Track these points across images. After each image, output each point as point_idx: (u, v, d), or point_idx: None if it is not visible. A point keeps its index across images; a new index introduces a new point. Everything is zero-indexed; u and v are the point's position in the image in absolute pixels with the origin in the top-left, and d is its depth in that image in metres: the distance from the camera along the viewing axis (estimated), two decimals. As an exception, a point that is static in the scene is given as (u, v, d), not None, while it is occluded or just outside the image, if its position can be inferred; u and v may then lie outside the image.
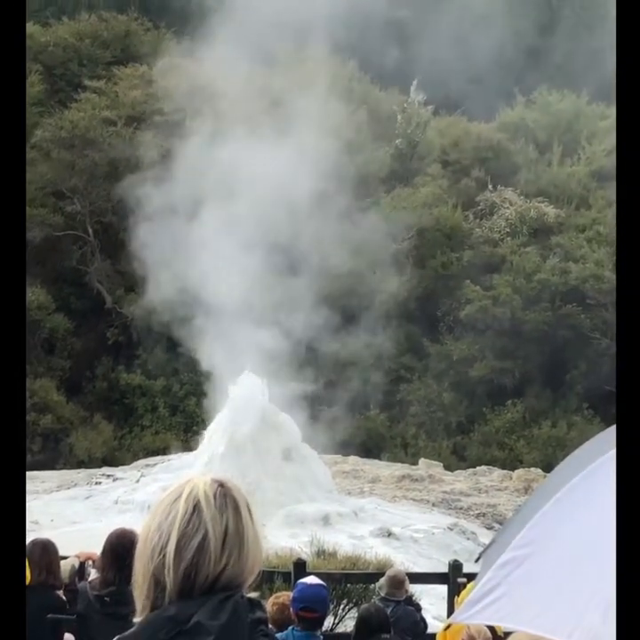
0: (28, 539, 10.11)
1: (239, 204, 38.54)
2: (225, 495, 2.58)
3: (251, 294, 36.05)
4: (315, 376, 36.58)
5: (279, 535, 23.63)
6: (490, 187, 54.04)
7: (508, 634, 6.21)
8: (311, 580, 9.37)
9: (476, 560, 2.34)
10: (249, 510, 2.61)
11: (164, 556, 2.49)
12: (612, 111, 63.34)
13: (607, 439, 2.19)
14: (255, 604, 2.56)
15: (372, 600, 12.87)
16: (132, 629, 2.52)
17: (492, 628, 8.72)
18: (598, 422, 40.73)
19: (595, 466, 2.08)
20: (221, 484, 2.60)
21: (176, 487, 2.62)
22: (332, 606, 14.97)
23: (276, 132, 41.40)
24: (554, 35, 71.11)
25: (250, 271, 36.52)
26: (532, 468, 36.91)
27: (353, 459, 38.62)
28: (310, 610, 8.59)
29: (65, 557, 12.17)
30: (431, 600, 15.85)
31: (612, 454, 2.10)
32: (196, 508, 2.53)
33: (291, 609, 8.83)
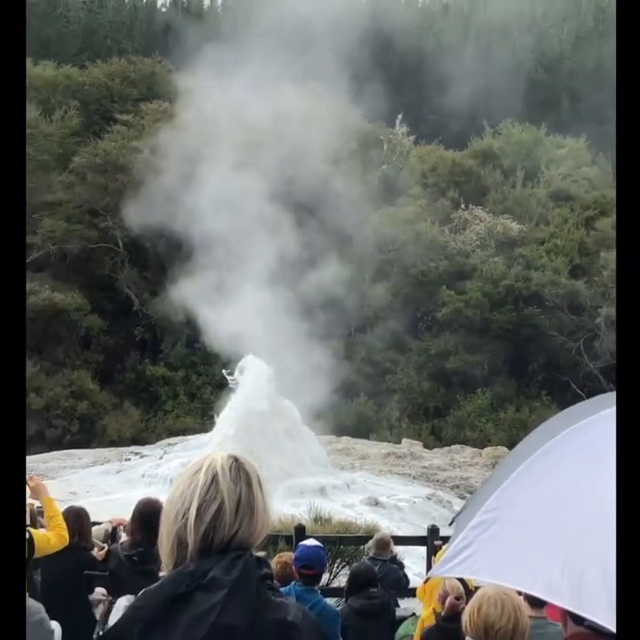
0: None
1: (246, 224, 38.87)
2: (239, 469, 2.59)
3: (263, 302, 36.35)
4: (313, 367, 36.59)
5: (282, 504, 23.58)
6: (462, 206, 54.11)
7: (477, 588, 6.21)
8: (310, 542, 9.37)
9: (450, 524, 2.35)
10: (259, 483, 2.62)
11: (187, 519, 2.50)
12: (567, 141, 63.68)
13: (560, 421, 2.20)
14: (262, 562, 2.58)
15: (362, 559, 12.87)
16: (158, 583, 2.53)
17: (463, 582, 8.73)
18: (555, 407, 40.69)
19: (551, 443, 2.10)
20: (236, 459, 2.62)
21: (197, 461, 2.63)
22: (327, 565, 14.97)
23: (279, 159, 41.60)
24: (517, 75, 71.14)
25: (264, 280, 36.89)
26: (499, 447, 36.92)
27: (345, 439, 38.63)
28: (309, 568, 8.60)
29: (99, 523, 12.21)
30: (412, 559, 15.82)
31: (566, 433, 2.11)
32: (214, 479, 2.54)
33: (292, 567, 8.83)
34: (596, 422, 2.13)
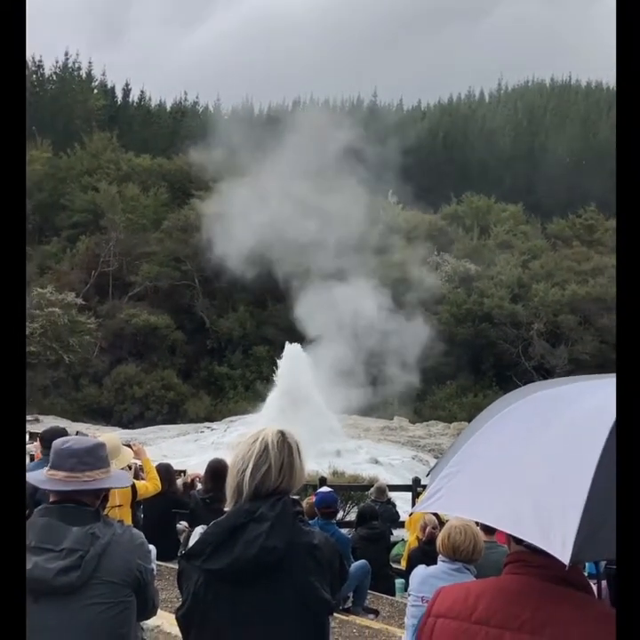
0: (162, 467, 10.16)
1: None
2: (284, 441, 2.59)
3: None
4: (335, 368, 36.82)
5: (309, 463, 23.48)
6: (435, 253, 54.07)
7: (447, 521, 6.20)
8: (325, 489, 9.41)
9: (427, 475, 2.36)
10: (299, 450, 2.64)
11: (244, 476, 2.52)
12: (509, 207, 63.70)
13: (505, 400, 2.21)
14: (296, 502, 2.59)
15: (366, 501, 12.84)
16: (223, 516, 2.55)
17: (438, 517, 8.71)
18: (502, 394, 40.52)
19: (498, 416, 2.12)
20: (282, 433, 2.62)
21: (255, 432, 2.64)
22: (341, 505, 14.95)
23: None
24: (470, 161, 71.24)
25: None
26: (463, 422, 36.80)
27: (354, 416, 38.57)
28: (327, 507, 8.60)
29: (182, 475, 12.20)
30: (402, 501, 15.74)
31: (508, 409, 2.13)
32: (265, 448, 2.55)
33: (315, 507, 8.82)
34: (531, 400, 2.15)
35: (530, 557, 2.00)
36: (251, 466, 2.54)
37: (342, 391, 36.95)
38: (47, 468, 3.13)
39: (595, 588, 2.23)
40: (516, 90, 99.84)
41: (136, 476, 8.19)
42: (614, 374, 1.89)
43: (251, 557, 2.42)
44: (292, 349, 35.83)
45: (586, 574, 2.14)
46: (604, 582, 2.74)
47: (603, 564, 2.85)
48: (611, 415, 1.83)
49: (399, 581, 9.65)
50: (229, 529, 2.48)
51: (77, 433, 6.03)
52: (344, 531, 10.46)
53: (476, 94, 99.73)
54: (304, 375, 33.69)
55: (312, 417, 31.24)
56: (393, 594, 9.68)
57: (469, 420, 2.32)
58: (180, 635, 2.61)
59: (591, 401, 1.98)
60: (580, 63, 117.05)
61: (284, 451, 2.59)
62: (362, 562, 8.89)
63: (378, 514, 10.74)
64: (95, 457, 3.15)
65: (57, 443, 3.21)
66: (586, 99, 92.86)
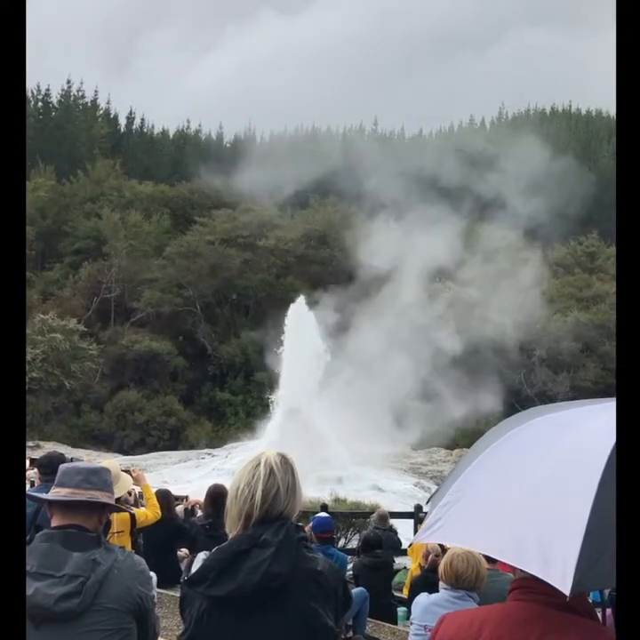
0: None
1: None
2: (286, 463, 2.59)
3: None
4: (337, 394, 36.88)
5: (311, 489, 23.47)
6: (437, 279, 54.11)
7: (449, 548, 6.16)
8: (322, 514, 9.41)
9: (427, 503, 2.36)
10: (297, 472, 2.65)
11: (254, 501, 2.51)
12: (511, 234, 63.71)
13: (504, 426, 2.21)
14: (299, 528, 2.59)
15: (369, 528, 12.77)
16: (226, 542, 2.54)
17: (440, 544, 8.66)
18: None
19: (497, 442, 2.12)
20: (283, 456, 2.63)
21: (254, 457, 2.64)
22: (343, 532, 14.89)
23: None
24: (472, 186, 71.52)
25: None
26: (465, 448, 36.62)
27: (356, 443, 38.34)
28: (326, 532, 8.62)
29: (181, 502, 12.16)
30: (404, 528, 15.65)
31: (507, 435, 2.12)
32: (271, 471, 2.55)
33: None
34: (530, 426, 2.15)
35: (535, 584, 1.99)
36: (260, 490, 2.54)
37: (345, 418, 36.86)
38: (52, 487, 3.15)
39: (600, 615, 2.22)
40: (517, 118, 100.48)
41: (136, 504, 8.16)
42: (614, 398, 1.89)
43: (254, 583, 2.41)
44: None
45: (591, 601, 2.14)
46: (608, 609, 2.73)
47: (607, 591, 2.84)
48: (608, 442, 1.83)
49: (401, 610, 9.57)
50: (233, 555, 2.48)
51: (72, 459, 6.01)
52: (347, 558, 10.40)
53: (477, 122, 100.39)
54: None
55: (314, 443, 31.20)
56: (395, 622, 9.60)
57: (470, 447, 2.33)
58: (181, 662, 2.59)
59: (590, 428, 1.98)
60: (580, 92, 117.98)
61: (288, 472, 2.60)
62: (359, 589, 8.85)
63: (382, 542, 10.68)
64: (100, 479, 3.16)
65: (63, 465, 3.25)
66: (586, 127, 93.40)
